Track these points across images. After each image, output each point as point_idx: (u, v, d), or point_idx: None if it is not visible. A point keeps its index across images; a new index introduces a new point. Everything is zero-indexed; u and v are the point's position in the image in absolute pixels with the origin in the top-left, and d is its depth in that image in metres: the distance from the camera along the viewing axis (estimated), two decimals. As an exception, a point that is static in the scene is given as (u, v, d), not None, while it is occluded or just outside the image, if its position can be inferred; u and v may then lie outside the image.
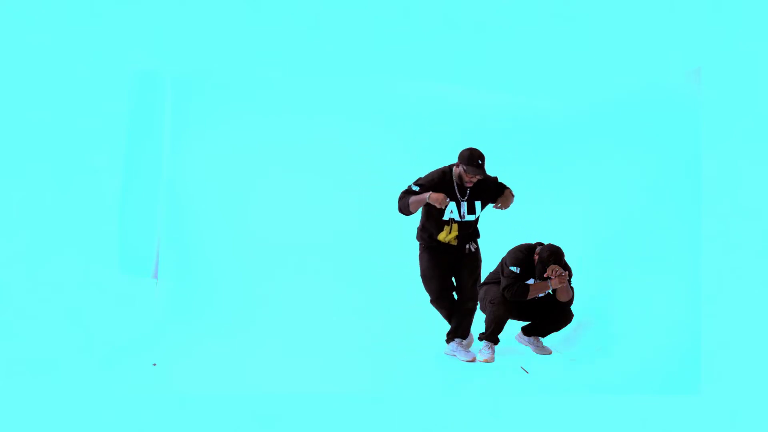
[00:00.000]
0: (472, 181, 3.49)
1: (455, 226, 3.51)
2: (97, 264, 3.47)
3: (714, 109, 3.05)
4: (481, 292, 3.95)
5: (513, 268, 3.71)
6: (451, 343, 3.72)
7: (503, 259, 3.84)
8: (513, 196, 3.65)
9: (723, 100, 3.03)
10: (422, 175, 3.57)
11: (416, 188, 3.49)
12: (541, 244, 3.81)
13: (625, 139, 4.81)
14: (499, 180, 3.73)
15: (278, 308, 4.66)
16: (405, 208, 3.46)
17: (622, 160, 4.82)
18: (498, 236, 4.27)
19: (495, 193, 3.66)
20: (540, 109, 5.31)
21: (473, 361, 3.62)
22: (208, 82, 5.01)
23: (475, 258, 3.69)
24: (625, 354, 3.87)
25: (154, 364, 3.29)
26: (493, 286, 3.85)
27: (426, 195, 3.38)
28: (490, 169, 3.76)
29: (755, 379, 2.85)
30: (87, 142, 3.26)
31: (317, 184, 5.05)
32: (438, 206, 3.37)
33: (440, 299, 3.64)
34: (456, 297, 3.71)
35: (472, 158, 3.44)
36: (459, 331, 3.71)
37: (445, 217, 3.51)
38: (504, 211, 3.71)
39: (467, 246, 3.57)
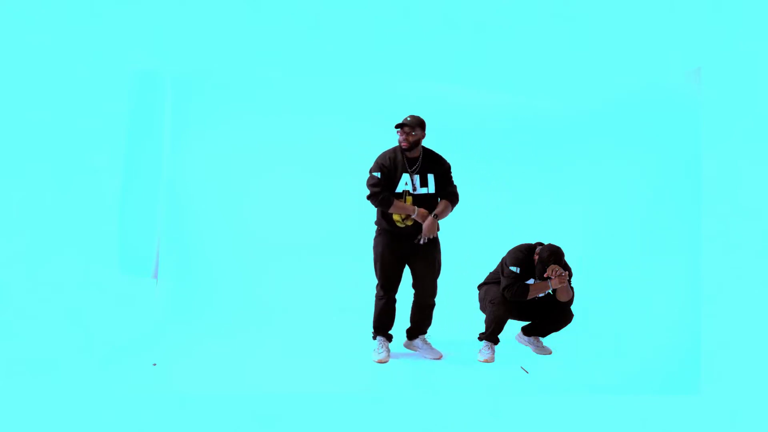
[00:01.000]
0: (404, 140, 3.41)
1: (409, 199, 3.47)
2: (97, 264, 3.47)
3: (714, 109, 3.05)
4: (481, 292, 3.95)
5: (513, 268, 3.71)
6: (416, 340, 3.71)
7: (503, 259, 3.84)
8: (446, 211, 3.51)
9: (723, 100, 3.04)
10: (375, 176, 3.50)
11: (377, 174, 3.45)
12: (541, 244, 3.81)
13: (625, 139, 4.82)
14: (480, 192, 3.64)
15: (278, 308, 4.65)
16: (385, 207, 3.41)
17: (622, 160, 4.82)
18: (498, 236, 4.28)
19: (444, 177, 3.52)
20: (540, 109, 5.31)
21: (440, 358, 3.61)
22: (208, 82, 5.01)
23: (433, 248, 3.54)
24: (625, 354, 3.87)
25: (154, 364, 3.29)
26: (493, 286, 3.85)
27: (412, 209, 3.38)
28: (491, 169, 3.77)
29: (755, 379, 2.85)
30: (87, 142, 3.26)
31: (317, 184, 5.05)
32: (421, 221, 3.38)
33: (385, 288, 3.53)
34: (414, 291, 3.64)
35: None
36: (423, 328, 3.69)
37: (399, 189, 3.46)
38: (503, 210, 3.65)
39: (419, 237, 3.49)
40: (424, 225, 3.43)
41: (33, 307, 2.94)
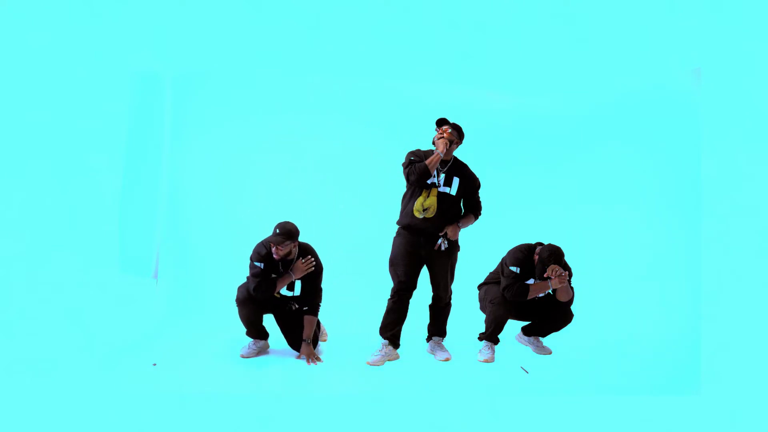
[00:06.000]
0: (440, 136, 3.51)
1: (434, 191, 3.52)
2: (97, 264, 3.47)
3: (714, 109, 3.06)
4: (481, 292, 3.95)
5: (513, 268, 3.71)
6: (430, 341, 3.75)
7: (503, 259, 3.84)
8: (470, 222, 3.67)
9: (723, 100, 3.04)
10: (410, 158, 3.57)
11: (413, 158, 3.55)
12: (541, 244, 3.81)
13: (625, 139, 4.82)
14: (480, 192, 3.71)
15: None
16: (425, 172, 3.47)
17: (622, 159, 4.83)
18: (498, 236, 4.28)
19: (472, 188, 3.64)
20: (540, 109, 5.31)
21: (448, 360, 3.61)
22: (208, 82, 5.01)
23: (451, 253, 3.60)
24: (625, 354, 3.87)
25: (154, 364, 3.29)
26: (493, 286, 3.85)
27: (437, 152, 3.48)
28: (491, 168, 3.75)
29: (755, 379, 2.85)
30: (87, 142, 3.26)
31: (317, 184, 5.05)
32: (440, 148, 3.46)
33: (401, 290, 3.54)
34: (432, 292, 3.68)
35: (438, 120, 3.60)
36: (440, 330, 3.73)
37: (428, 181, 3.54)
38: (504, 210, 3.65)
39: (439, 242, 3.54)
40: (449, 228, 3.55)
41: (33, 307, 2.94)
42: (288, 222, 3.51)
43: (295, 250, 3.57)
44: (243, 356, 3.54)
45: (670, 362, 3.66)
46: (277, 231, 3.47)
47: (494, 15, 3.56)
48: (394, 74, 4.87)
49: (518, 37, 3.80)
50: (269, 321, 3.69)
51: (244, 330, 3.62)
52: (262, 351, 3.64)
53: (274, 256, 3.49)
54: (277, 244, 3.43)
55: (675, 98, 4.29)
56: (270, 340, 3.70)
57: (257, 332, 3.62)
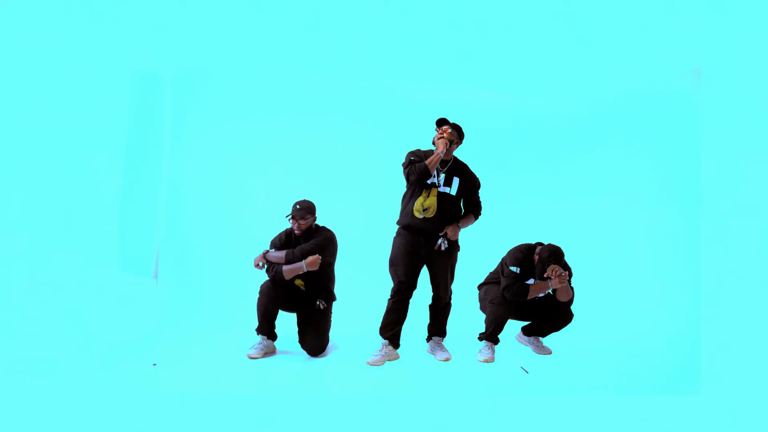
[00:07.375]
0: (440, 136, 3.52)
1: (434, 191, 3.52)
2: (97, 264, 3.47)
3: (714, 109, 3.06)
4: (481, 292, 3.95)
5: (513, 268, 3.71)
6: (430, 341, 3.75)
7: (503, 259, 3.84)
8: (470, 222, 3.68)
9: (723, 100, 3.04)
10: (410, 158, 3.58)
11: (413, 158, 3.55)
12: (541, 244, 3.81)
13: (625, 139, 4.82)
14: (480, 192, 3.72)
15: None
16: (425, 172, 3.47)
17: (623, 160, 4.83)
18: (498, 236, 4.28)
19: (472, 188, 3.65)
20: (540, 109, 5.31)
21: (448, 360, 3.62)
22: (208, 82, 5.01)
23: (451, 253, 3.60)
24: (625, 354, 3.87)
25: (154, 364, 3.29)
26: (493, 286, 3.85)
27: (437, 152, 3.48)
28: (491, 169, 3.74)
29: (755, 379, 2.85)
30: (87, 142, 3.26)
31: (316, 184, 5.04)
32: (441, 148, 3.47)
33: (401, 290, 3.53)
34: (432, 292, 3.68)
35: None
36: (440, 330, 3.73)
37: (428, 181, 3.55)
38: (504, 210, 3.65)
39: (439, 242, 3.54)
40: (449, 228, 3.56)
41: (33, 307, 2.94)
42: (306, 199, 3.68)
43: (314, 226, 3.72)
44: (249, 356, 3.53)
45: (670, 362, 3.66)
46: (297, 207, 3.62)
47: (494, 15, 3.57)
48: (394, 74, 4.87)
49: (518, 37, 3.80)
50: (279, 323, 3.69)
51: (255, 326, 3.62)
52: (269, 353, 3.63)
53: (296, 231, 3.65)
54: (297, 217, 3.60)
55: (675, 98, 4.30)
56: (276, 343, 3.70)
57: (268, 329, 3.62)
